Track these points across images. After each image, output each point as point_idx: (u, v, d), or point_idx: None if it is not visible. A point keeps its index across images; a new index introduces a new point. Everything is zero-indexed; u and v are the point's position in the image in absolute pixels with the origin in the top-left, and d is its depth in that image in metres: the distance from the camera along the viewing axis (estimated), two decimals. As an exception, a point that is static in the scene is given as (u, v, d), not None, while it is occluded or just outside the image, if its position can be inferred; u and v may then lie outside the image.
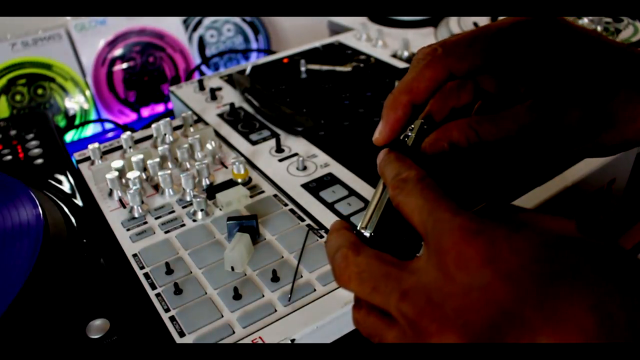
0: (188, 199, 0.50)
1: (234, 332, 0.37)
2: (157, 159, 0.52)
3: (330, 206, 0.48)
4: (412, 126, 0.32)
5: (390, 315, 0.25)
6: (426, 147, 0.31)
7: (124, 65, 0.90)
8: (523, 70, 0.31)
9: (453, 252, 0.23)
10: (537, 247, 0.22)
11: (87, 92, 0.88)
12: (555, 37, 0.30)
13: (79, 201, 0.52)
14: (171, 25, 0.92)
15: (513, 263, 0.22)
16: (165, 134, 0.57)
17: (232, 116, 0.63)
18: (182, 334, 0.37)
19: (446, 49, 0.30)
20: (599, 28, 0.75)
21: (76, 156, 0.58)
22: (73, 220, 0.49)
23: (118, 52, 0.89)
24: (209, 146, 0.55)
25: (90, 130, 0.89)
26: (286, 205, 0.49)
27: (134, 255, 0.44)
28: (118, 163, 0.53)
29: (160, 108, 0.94)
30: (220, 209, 0.48)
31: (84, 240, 0.47)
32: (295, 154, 0.55)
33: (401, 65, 0.72)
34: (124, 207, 0.50)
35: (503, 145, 0.31)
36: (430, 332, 0.23)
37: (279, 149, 0.56)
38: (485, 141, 0.30)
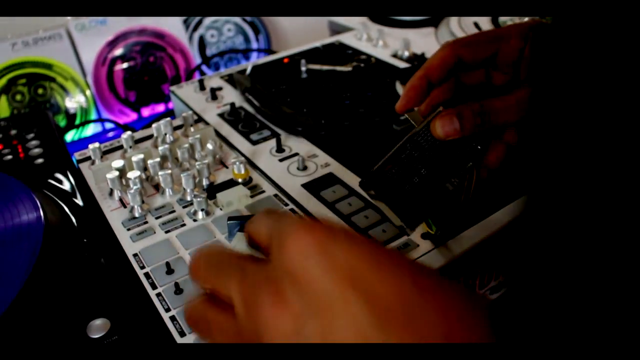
0: (188, 198, 0.50)
1: (234, 332, 0.37)
2: (158, 159, 0.52)
3: (330, 206, 0.48)
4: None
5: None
6: (437, 121, 0.36)
7: (124, 65, 0.90)
8: (522, 65, 0.38)
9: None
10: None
11: (88, 92, 0.88)
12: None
13: (79, 201, 0.52)
14: (171, 25, 0.92)
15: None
16: (165, 134, 0.57)
17: (233, 116, 0.63)
18: (182, 334, 0.37)
19: (458, 39, 0.38)
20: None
21: (76, 156, 0.58)
22: (73, 220, 0.49)
23: (118, 52, 0.89)
24: (209, 146, 0.55)
25: (91, 130, 0.89)
26: (286, 205, 0.49)
27: (135, 255, 0.44)
28: (118, 163, 0.53)
29: (160, 108, 0.94)
30: (221, 209, 0.48)
31: (84, 240, 0.47)
32: (296, 154, 0.55)
33: (401, 65, 0.72)
34: (125, 206, 0.50)
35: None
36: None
37: (280, 149, 0.56)
38: (492, 123, 0.36)
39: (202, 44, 0.98)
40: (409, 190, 0.36)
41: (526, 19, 0.80)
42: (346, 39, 0.83)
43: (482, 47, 0.37)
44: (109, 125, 0.90)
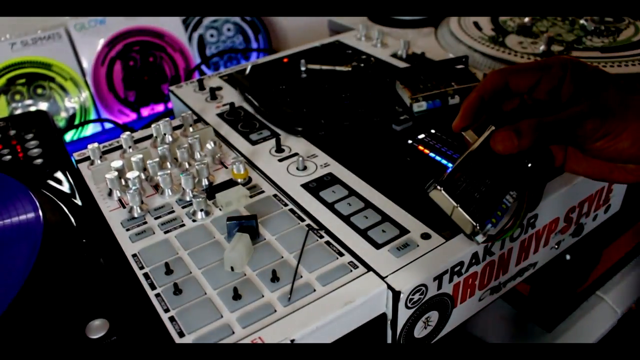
0: (188, 199, 0.50)
1: (233, 333, 0.37)
2: (157, 159, 0.52)
3: (330, 206, 0.48)
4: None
5: None
6: (497, 136, 0.39)
7: (124, 65, 0.90)
8: (563, 90, 0.41)
9: None
10: None
11: (87, 92, 0.88)
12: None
13: (78, 201, 0.52)
14: (171, 25, 0.92)
15: None
16: (165, 134, 0.57)
17: (232, 116, 0.63)
18: (181, 334, 0.37)
19: (507, 67, 0.42)
20: (602, 28, 0.75)
21: (76, 156, 0.58)
22: (72, 220, 0.49)
23: (118, 51, 0.89)
24: (208, 146, 0.55)
25: (90, 130, 0.89)
26: (286, 205, 0.49)
27: (134, 255, 0.44)
28: (118, 163, 0.53)
29: (160, 108, 0.94)
30: (220, 209, 0.48)
31: (83, 241, 0.47)
32: (295, 154, 0.55)
33: (401, 65, 0.72)
34: (124, 207, 0.50)
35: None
36: None
37: (279, 149, 0.56)
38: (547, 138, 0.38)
39: (201, 44, 0.98)
40: (478, 197, 0.40)
41: (526, 19, 0.80)
42: (346, 38, 0.83)
43: (530, 74, 0.41)
44: (108, 126, 0.90)
